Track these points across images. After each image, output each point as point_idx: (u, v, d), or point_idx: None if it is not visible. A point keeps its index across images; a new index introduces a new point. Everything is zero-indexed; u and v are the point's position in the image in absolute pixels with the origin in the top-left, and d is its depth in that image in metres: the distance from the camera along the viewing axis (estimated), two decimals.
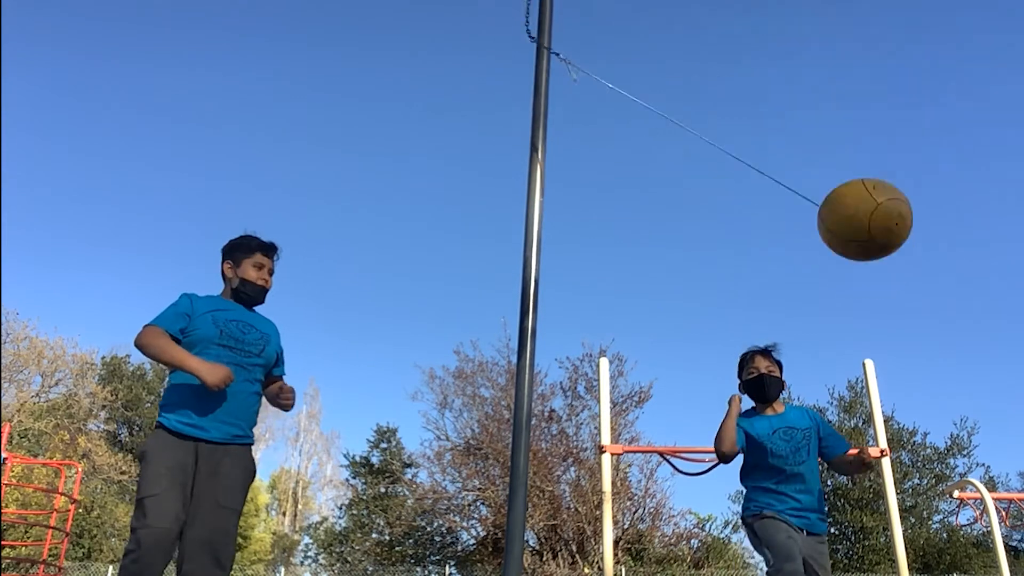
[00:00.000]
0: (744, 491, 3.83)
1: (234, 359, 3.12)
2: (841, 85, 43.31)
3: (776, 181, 3.72)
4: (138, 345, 3.07)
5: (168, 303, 3.23)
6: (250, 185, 49.87)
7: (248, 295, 3.31)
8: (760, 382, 3.75)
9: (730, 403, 3.71)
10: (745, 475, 3.78)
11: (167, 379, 3.21)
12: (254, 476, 3.20)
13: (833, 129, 43.44)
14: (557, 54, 3.87)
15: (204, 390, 3.00)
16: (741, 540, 20.99)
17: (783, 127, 43.68)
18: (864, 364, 6.41)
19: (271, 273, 3.39)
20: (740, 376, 3.86)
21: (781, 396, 3.85)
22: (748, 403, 3.86)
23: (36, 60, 43.53)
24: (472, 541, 19.47)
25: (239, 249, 3.36)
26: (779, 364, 3.83)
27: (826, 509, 3.72)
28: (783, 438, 3.64)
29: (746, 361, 3.84)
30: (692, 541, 19.22)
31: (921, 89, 42.21)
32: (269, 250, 3.39)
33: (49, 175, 45.37)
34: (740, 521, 3.85)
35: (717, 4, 45.07)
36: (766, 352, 3.84)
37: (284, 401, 3.33)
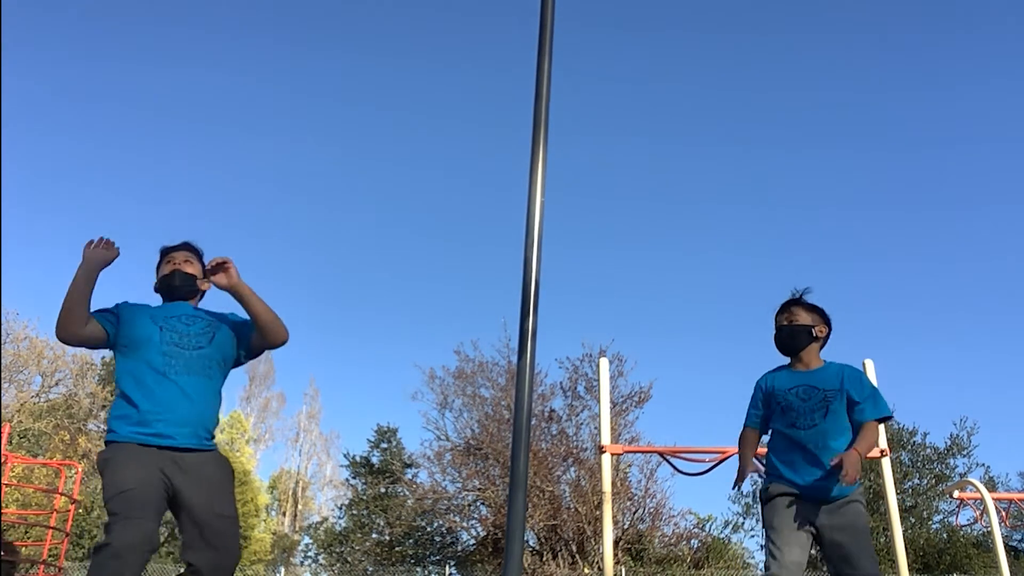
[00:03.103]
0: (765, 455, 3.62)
1: (182, 356, 2.95)
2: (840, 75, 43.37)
3: None
4: (57, 331, 2.91)
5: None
6: (251, 185, 49.91)
7: (167, 286, 3.17)
8: (778, 337, 3.57)
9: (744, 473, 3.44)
10: (769, 437, 3.58)
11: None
12: (234, 476, 3.05)
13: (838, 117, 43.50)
14: None
15: (152, 391, 2.86)
16: (741, 540, 21.03)
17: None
18: (864, 364, 6.41)
19: (188, 260, 3.23)
20: None
21: (821, 351, 3.55)
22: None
23: (34, 58, 43.55)
24: (472, 541, 19.48)
25: (157, 268, 3.29)
26: (814, 310, 3.57)
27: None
28: (800, 396, 3.40)
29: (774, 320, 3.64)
30: (692, 541, 19.24)
31: (919, 85, 42.26)
32: (173, 248, 3.27)
33: (50, 174, 45.40)
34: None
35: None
36: (787, 304, 3.60)
37: (217, 268, 3.07)
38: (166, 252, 3.27)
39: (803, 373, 3.49)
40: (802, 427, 3.38)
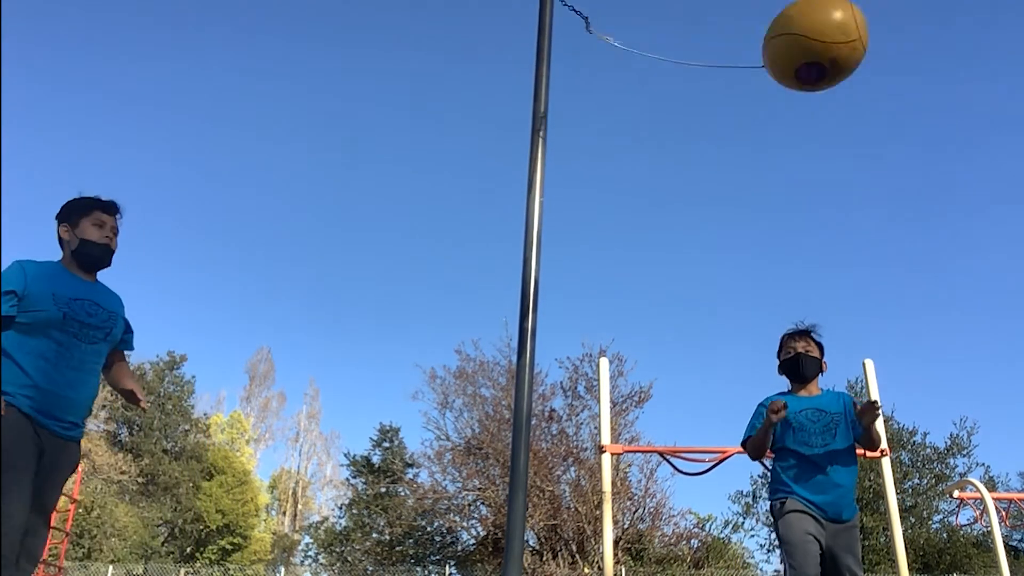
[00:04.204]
0: (771, 472, 3.78)
1: (78, 348, 2.88)
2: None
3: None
4: None
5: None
6: (250, 185, 49.92)
7: (91, 256, 3.01)
8: (796, 361, 3.73)
9: (770, 412, 3.52)
10: (775, 456, 3.76)
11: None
12: (75, 470, 3.04)
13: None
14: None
15: (45, 374, 2.78)
16: (741, 540, 21.00)
17: None
18: (864, 364, 6.42)
19: (115, 233, 3.08)
20: (778, 357, 3.83)
21: (819, 380, 3.81)
22: (785, 384, 3.82)
23: (36, 58, 43.53)
24: (472, 541, 19.46)
25: (75, 210, 3.04)
26: (820, 346, 3.80)
27: (854, 496, 3.67)
28: (810, 418, 3.61)
29: (784, 342, 3.82)
30: (692, 541, 19.22)
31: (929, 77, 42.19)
32: (109, 208, 3.09)
33: (50, 174, 45.39)
34: (769, 506, 3.79)
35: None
36: (804, 333, 3.81)
37: (141, 404, 3.09)
38: (100, 206, 3.09)
39: (807, 398, 3.72)
40: (815, 446, 3.58)
